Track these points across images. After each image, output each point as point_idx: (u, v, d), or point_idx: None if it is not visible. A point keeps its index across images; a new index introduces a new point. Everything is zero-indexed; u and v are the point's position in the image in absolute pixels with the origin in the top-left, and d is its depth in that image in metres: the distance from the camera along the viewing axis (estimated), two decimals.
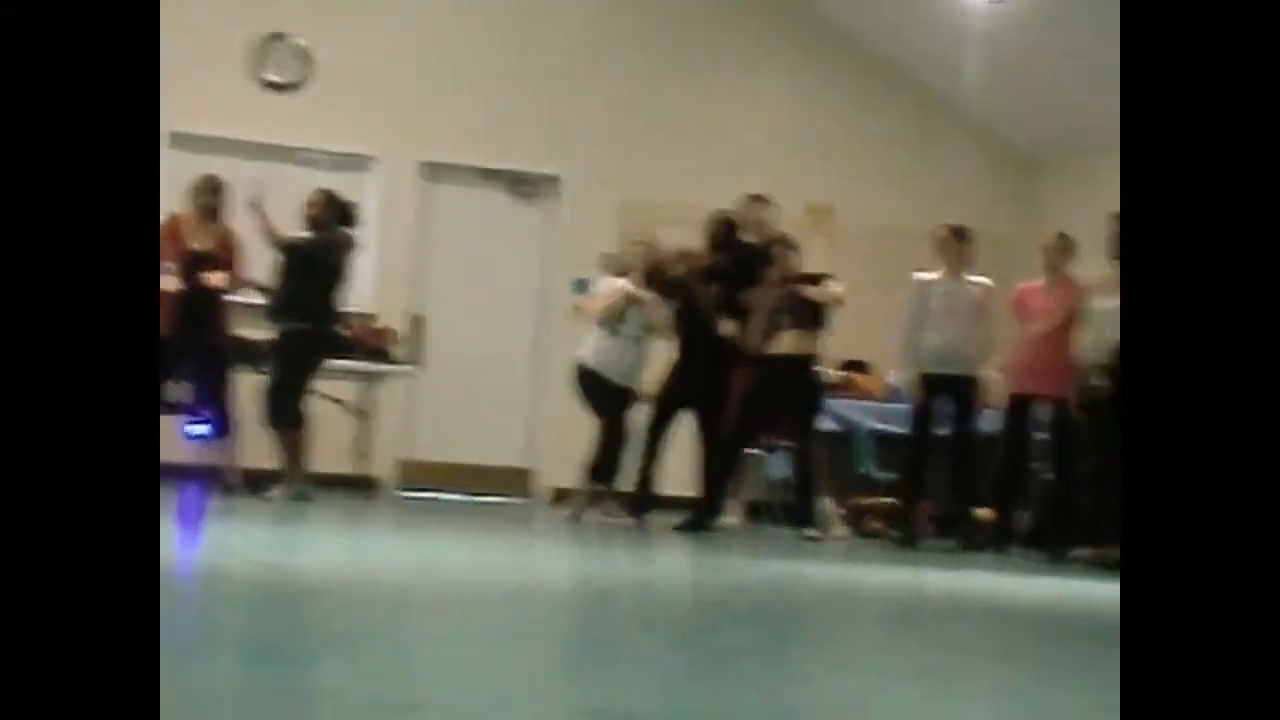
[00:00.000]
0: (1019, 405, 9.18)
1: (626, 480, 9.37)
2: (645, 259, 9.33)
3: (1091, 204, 11.86)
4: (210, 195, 9.35)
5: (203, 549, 5.76)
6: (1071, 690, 3.63)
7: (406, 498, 10.90)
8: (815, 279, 9.09)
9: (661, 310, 9.31)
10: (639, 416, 9.38)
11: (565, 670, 3.43)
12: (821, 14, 12.50)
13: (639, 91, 12.06)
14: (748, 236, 9.45)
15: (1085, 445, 8.71)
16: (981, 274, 9.46)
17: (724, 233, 9.46)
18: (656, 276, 9.33)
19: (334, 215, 9.38)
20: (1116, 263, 8.69)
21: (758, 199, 9.56)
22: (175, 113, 10.92)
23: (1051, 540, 8.90)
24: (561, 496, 9.85)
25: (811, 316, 8.98)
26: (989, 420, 9.88)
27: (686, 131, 12.03)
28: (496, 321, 11.94)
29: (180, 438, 9.50)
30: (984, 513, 9.37)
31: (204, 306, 9.19)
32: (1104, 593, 6.88)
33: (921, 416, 9.33)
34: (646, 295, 9.23)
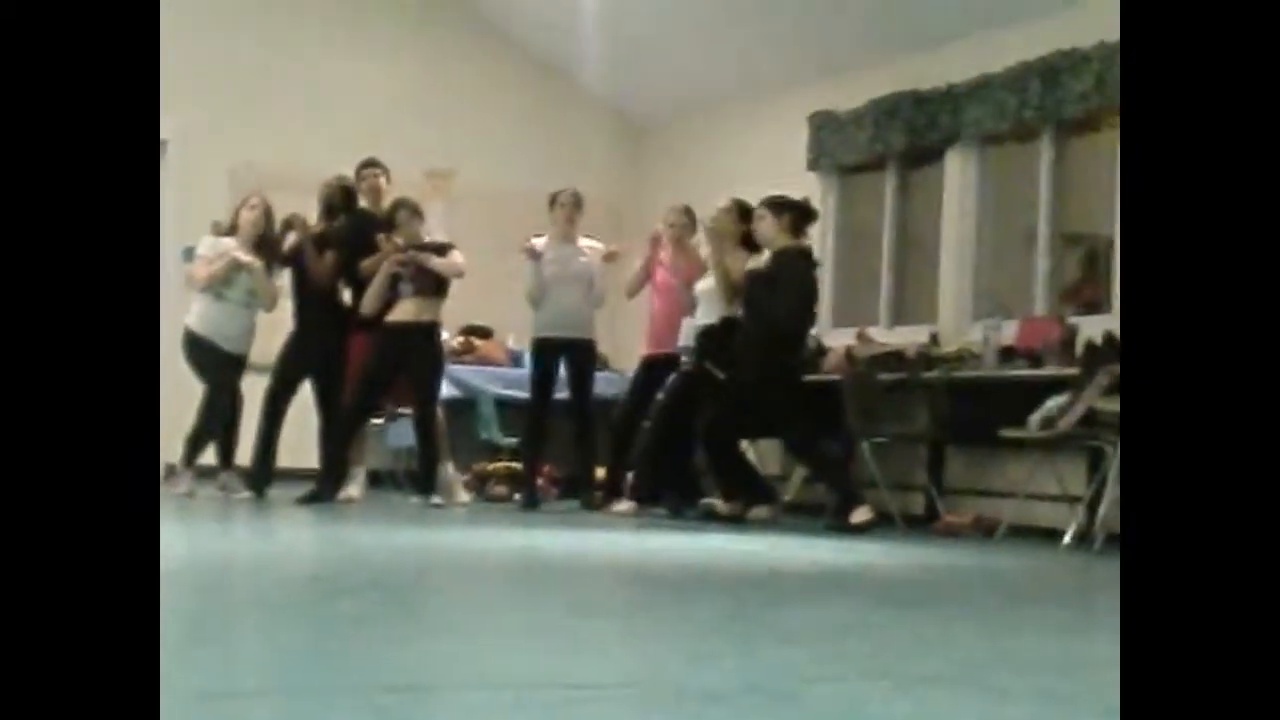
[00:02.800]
0: (647, 367, 9.56)
1: (245, 453, 9.23)
2: (256, 225, 9.15)
3: (689, 164, 12.25)
4: None
5: None
6: (681, 638, 3.78)
7: None
8: (440, 249, 9.11)
9: (268, 278, 9.18)
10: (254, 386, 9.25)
11: (174, 652, 3.37)
12: None
13: (252, 50, 11.80)
14: (364, 203, 9.42)
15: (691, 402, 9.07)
16: (594, 238, 9.70)
17: (339, 199, 9.37)
18: (266, 242, 9.18)
19: None
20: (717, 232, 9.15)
21: (370, 164, 9.50)
22: None
23: (656, 496, 9.28)
24: (172, 472, 9.61)
25: (433, 284, 8.99)
26: (607, 382, 10.15)
27: (302, 94, 11.86)
28: None
29: None
30: (603, 472, 9.62)
31: None
32: (704, 544, 7.18)
33: (541, 381, 9.49)
34: (254, 260, 9.06)
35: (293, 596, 4.61)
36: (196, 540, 6.64)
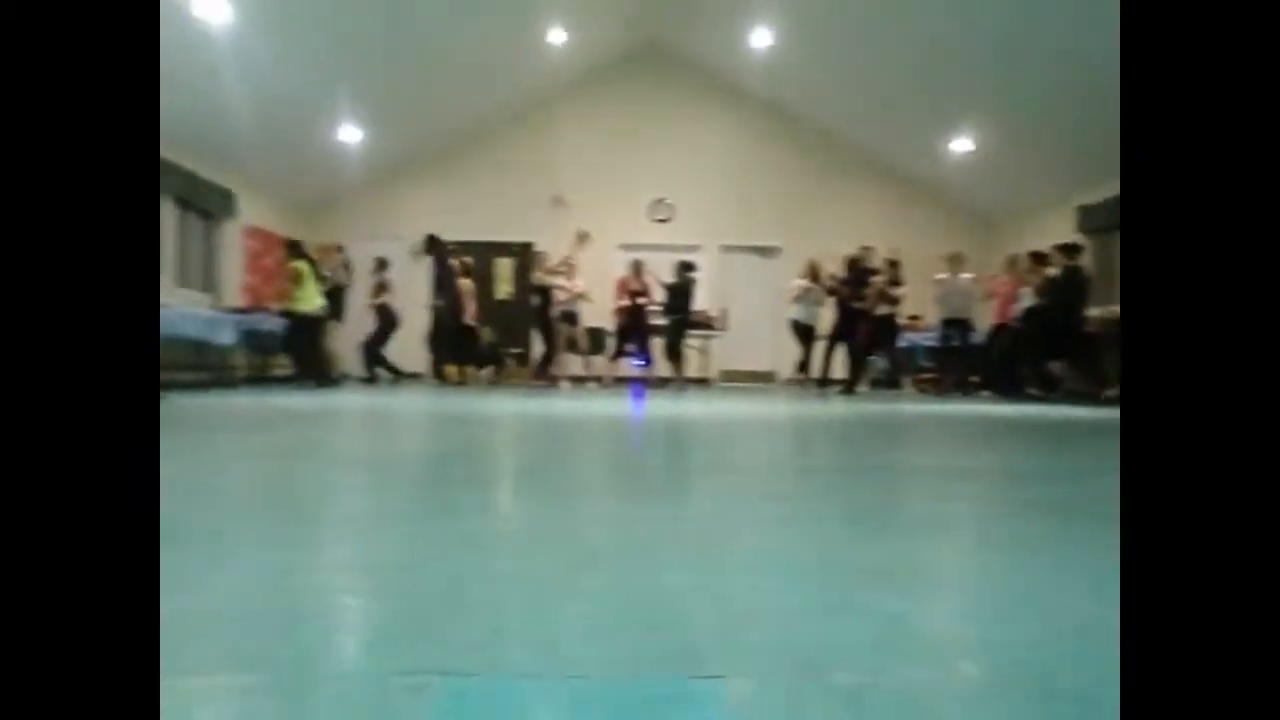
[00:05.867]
0: (997, 329, 9.19)
1: (818, 370, 9.55)
2: (811, 272, 9.56)
3: (1029, 243, 11.33)
4: (636, 267, 10.11)
5: (645, 409, 5.53)
6: (1036, 455, 3.27)
7: (723, 387, 11.00)
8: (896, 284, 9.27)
9: (821, 294, 9.53)
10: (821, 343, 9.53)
11: (785, 443, 3.40)
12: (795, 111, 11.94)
13: (808, 201, 12.04)
14: (864, 264, 9.52)
15: (1020, 344, 8.72)
16: (968, 273, 9.49)
17: (853, 262, 9.55)
18: (819, 279, 9.57)
19: (684, 271, 10.01)
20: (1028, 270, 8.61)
21: (867, 248, 9.67)
22: (621, 233, 11.79)
23: (1002, 390, 8.91)
24: (787, 382, 10.22)
25: (893, 299, 9.15)
26: (976, 337, 9.89)
27: (828, 217, 11.96)
28: (759, 309, 12.16)
29: (632, 366, 9.98)
30: (974, 379, 9.43)
31: (639, 312, 9.86)
32: (1036, 411, 6.54)
33: (945, 338, 9.41)
34: (814, 285, 9.48)
35: (841, 430, 4.48)
36: (793, 408, 6.58)
